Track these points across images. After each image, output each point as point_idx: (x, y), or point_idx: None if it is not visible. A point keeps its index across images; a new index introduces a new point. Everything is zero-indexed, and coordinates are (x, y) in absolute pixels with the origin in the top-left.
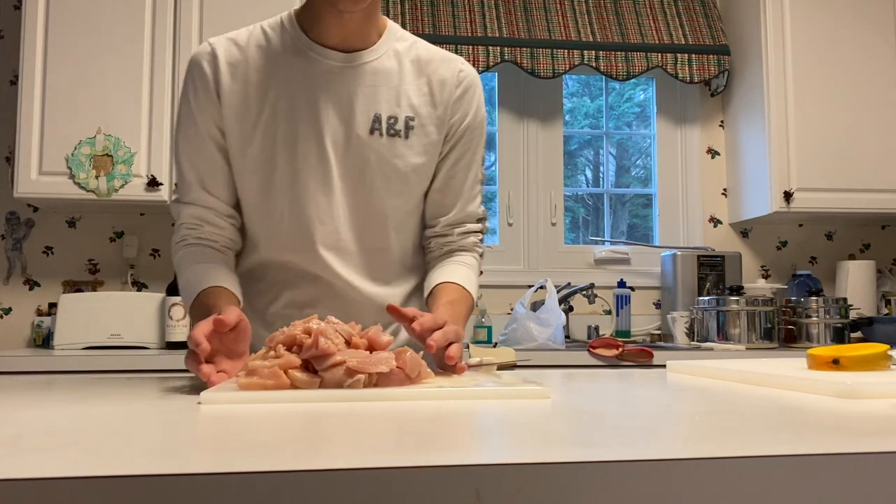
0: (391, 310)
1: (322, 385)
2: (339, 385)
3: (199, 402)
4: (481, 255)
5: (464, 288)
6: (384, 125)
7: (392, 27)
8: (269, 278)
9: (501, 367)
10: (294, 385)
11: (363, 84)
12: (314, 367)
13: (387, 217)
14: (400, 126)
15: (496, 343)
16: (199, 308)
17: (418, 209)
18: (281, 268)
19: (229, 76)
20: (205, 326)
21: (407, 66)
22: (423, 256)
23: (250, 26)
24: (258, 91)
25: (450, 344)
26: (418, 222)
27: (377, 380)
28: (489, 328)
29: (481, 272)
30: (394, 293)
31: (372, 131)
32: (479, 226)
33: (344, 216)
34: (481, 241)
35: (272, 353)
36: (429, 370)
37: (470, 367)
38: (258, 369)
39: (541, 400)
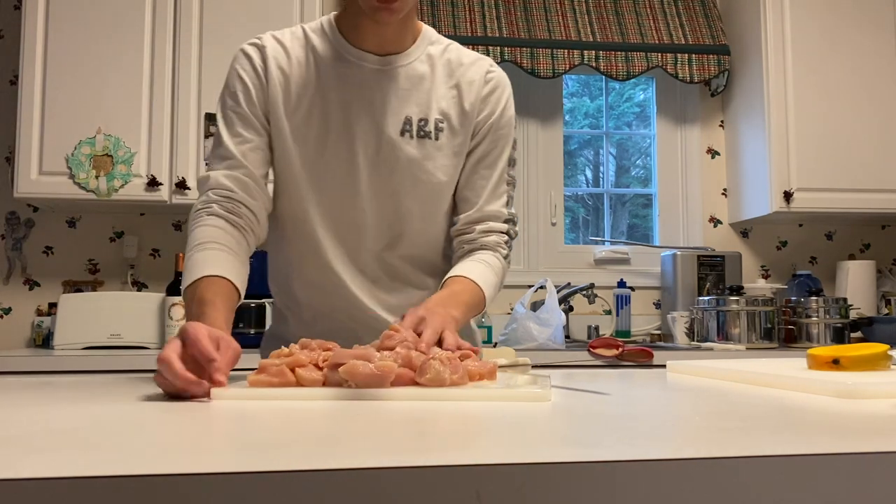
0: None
1: (325, 384)
2: (340, 384)
3: (210, 399)
4: (506, 258)
5: (471, 280)
6: (415, 127)
7: (427, 31)
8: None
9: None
10: (299, 383)
11: (396, 87)
12: (319, 366)
13: (411, 222)
14: (430, 128)
15: (496, 343)
16: (193, 295)
17: (444, 219)
18: (307, 284)
19: (276, 67)
20: (177, 346)
21: (439, 70)
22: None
23: (293, 27)
24: (298, 91)
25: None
26: (442, 235)
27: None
28: (489, 328)
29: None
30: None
31: (402, 133)
32: (504, 226)
33: (370, 220)
34: (506, 242)
35: (285, 351)
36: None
37: (501, 367)
38: (267, 367)
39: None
